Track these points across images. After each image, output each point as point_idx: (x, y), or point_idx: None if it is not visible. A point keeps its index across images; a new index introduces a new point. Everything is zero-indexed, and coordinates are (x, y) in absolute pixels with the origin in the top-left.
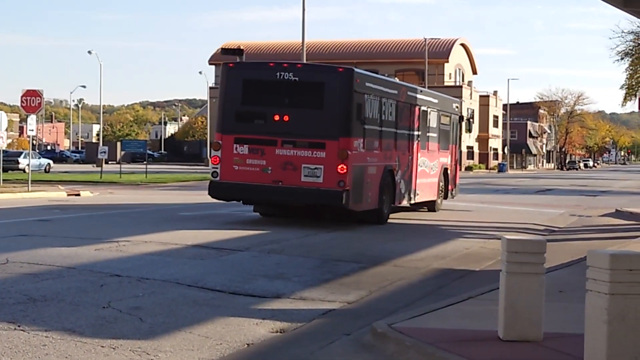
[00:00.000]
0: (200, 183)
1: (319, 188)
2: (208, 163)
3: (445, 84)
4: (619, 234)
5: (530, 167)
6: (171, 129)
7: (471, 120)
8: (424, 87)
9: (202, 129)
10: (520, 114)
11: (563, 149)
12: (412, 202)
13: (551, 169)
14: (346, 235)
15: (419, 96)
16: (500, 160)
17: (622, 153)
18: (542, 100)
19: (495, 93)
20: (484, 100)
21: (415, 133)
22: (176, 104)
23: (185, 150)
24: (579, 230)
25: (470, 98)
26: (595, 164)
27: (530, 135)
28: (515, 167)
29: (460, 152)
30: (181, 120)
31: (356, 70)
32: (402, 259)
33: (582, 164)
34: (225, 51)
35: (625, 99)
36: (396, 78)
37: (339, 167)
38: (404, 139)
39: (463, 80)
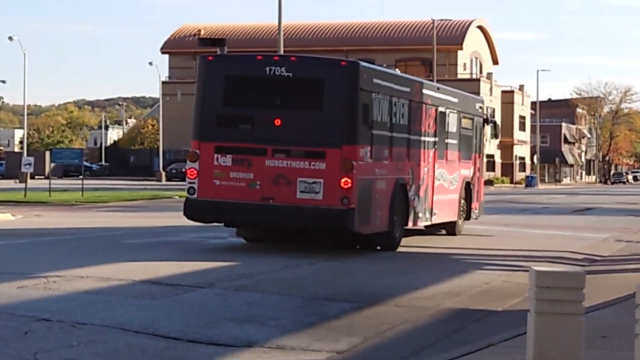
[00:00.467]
0: (152, 203)
1: (319, 206)
2: (161, 178)
3: (459, 76)
4: None
5: (566, 180)
6: (114, 134)
7: (497, 123)
8: (432, 80)
9: (153, 134)
10: (553, 114)
11: (607, 158)
12: (429, 223)
13: (592, 182)
14: (336, 266)
15: (436, 95)
16: (528, 172)
17: None
18: (579, 97)
19: (521, 88)
20: (508, 97)
21: (432, 139)
22: (120, 103)
23: (131, 161)
24: (627, 259)
25: (490, 94)
26: None
27: (566, 141)
28: (547, 180)
29: (484, 162)
30: (127, 123)
31: (362, 64)
32: (406, 297)
33: (630, 177)
34: (202, 41)
35: None
36: (397, 70)
37: (343, 180)
38: (419, 146)
39: (481, 72)
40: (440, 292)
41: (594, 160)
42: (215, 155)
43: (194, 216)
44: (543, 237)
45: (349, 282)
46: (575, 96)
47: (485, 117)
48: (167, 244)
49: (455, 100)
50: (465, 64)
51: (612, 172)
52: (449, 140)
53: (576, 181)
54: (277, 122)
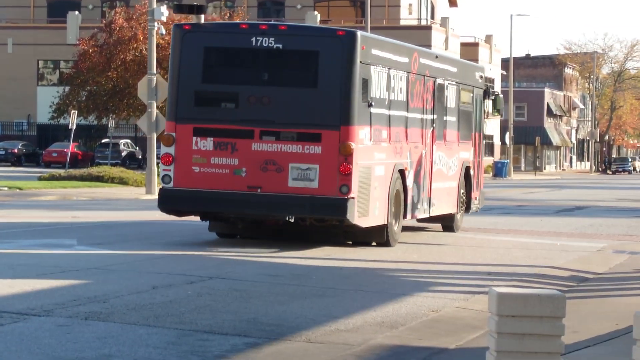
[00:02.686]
0: None
1: (314, 196)
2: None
3: (402, 22)
4: None
5: (550, 167)
6: None
7: (500, 96)
8: (365, 27)
9: None
10: (533, 75)
11: (606, 138)
12: (426, 215)
13: (585, 171)
14: (226, 286)
15: (434, 64)
16: (497, 156)
17: None
18: (569, 53)
19: (488, 39)
20: (470, 51)
21: (430, 117)
22: None
23: None
24: (629, 278)
25: (445, 47)
26: None
27: (550, 114)
28: (524, 168)
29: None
30: None
31: (361, 33)
32: (322, 329)
33: (638, 163)
34: (179, 8)
35: None
36: (317, 14)
37: (342, 166)
38: (417, 125)
39: (433, 17)
40: (370, 323)
41: (588, 141)
42: (194, 139)
43: (170, 208)
44: (515, 247)
45: (243, 309)
46: (563, 52)
47: (486, 88)
48: None
49: (454, 69)
50: (410, 5)
51: (613, 157)
52: (448, 118)
53: (564, 169)
54: (265, 100)
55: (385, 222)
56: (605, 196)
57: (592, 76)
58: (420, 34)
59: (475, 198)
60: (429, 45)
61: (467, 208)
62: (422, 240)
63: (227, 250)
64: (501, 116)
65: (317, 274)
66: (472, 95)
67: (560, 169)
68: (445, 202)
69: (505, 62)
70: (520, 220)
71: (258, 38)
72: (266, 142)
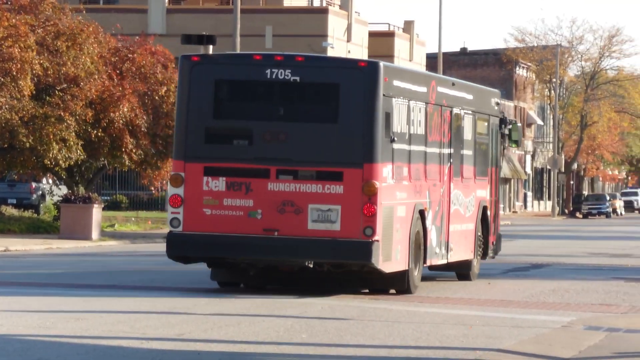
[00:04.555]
0: None
1: (336, 239)
2: None
3: (287, 3)
4: None
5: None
6: None
7: (518, 125)
8: (234, 10)
9: None
10: (472, 77)
11: (575, 166)
12: (444, 261)
13: (546, 213)
14: None
15: (450, 92)
16: None
17: None
18: (522, 47)
19: (408, 27)
20: (381, 43)
21: (447, 151)
22: None
23: None
24: None
25: (348, 39)
26: None
27: None
28: None
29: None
30: None
31: (384, 64)
32: None
33: (619, 203)
34: (187, 38)
35: None
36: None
37: (365, 207)
38: (435, 161)
39: None
40: None
41: (549, 171)
42: (205, 179)
43: (179, 254)
44: (447, 322)
45: None
46: (514, 45)
47: (502, 116)
48: None
49: (470, 97)
50: None
51: (584, 193)
52: (465, 151)
53: (515, 211)
54: (282, 136)
55: (407, 268)
56: (573, 249)
57: (554, 80)
58: (312, 19)
59: (492, 242)
60: (324, 35)
61: (484, 254)
62: (316, 313)
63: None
64: (518, 147)
65: None
66: (488, 125)
67: (510, 210)
68: (462, 246)
69: (431, 59)
70: (453, 285)
71: (273, 70)
72: (283, 181)
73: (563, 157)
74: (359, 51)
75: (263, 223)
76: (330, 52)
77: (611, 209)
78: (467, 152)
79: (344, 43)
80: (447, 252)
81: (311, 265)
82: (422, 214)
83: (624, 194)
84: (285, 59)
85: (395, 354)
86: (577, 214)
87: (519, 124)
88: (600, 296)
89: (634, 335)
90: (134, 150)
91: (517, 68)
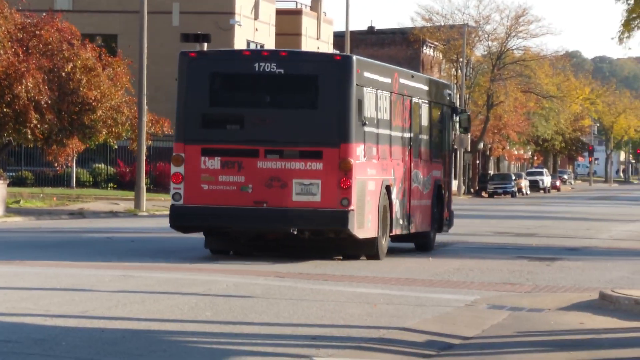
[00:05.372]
0: None
1: (317, 209)
2: None
3: None
4: (607, 357)
5: None
6: None
7: (468, 114)
8: None
9: None
10: (379, 56)
11: (481, 146)
12: (406, 232)
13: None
14: None
15: (410, 83)
16: None
17: (623, 154)
18: (429, 26)
19: (315, 5)
20: (290, 22)
21: (408, 135)
22: None
23: None
24: (509, 344)
25: (255, 17)
26: (559, 181)
27: None
28: None
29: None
30: None
31: (356, 57)
32: None
33: (524, 182)
34: (185, 37)
35: (627, 24)
36: None
37: (342, 180)
38: (398, 143)
39: None
40: None
41: (456, 150)
42: (202, 158)
43: (180, 224)
44: (351, 300)
45: None
46: (421, 24)
47: (454, 106)
48: None
49: (426, 88)
50: None
51: (490, 173)
52: (422, 136)
53: None
54: (269, 121)
55: (376, 235)
56: (479, 228)
57: (461, 59)
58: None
59: (446, 218)
60: (231, 13)
61: (440, 227)
62: (221, 291)
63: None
64: (468, 132)
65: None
66: (441, 113)
67: None
68: (421, 220)
69: (339, 38)
70: (358, 262)
71: (261, 64)
72: (270, 160)
73: (469, 136)
74: (266, 29)
75: (253, 196)
76: (238, 30)
77: (516, 189)
78: (424, 136)
79: (252, 21)
80: (409, 224)
81: (295, 232)
82: (388, 189)
83: (529, 174)
84: (271, 54)
85: (300, 332)
86: (483, 193)
87: (469, 113)
88: (505, 275)
89: (536, 315)
90: (38, 126)
91: (425, 47)
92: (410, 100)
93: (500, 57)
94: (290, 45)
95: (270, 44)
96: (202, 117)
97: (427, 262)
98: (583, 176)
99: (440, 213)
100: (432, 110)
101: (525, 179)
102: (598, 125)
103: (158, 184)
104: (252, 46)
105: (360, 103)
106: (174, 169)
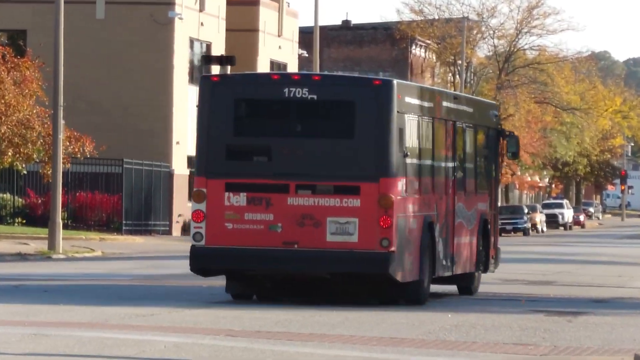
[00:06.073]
0: None
1: (354, 250)
2: None
3: None
4: None
5: None
6: None
7: (517, 138)
8: None
9: None
10: (357, 58)
11: None
12: (449, 274)
13: None
14: None
15: (453, 106)
16: None
17: None
18: (420, 20)
19: None
20: (245, 14)
21: (451, 165)
22: None
23: None
24: None
25: (200, 9)
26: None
27: None
28: None
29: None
30: None
31: (397, 81)
32: None
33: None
34: (207, 59)
35: None
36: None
37: (382, 219)
38: (441, 174)
39: None
40: None
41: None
42: (227, 194)
43: (202, 267)
44: None
45: None
46: (409, 17)
47: (500, 128)
48: None
49: (470, 110)
50: None
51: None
52: (467, 165)
53: None
54: (300, 152)
55: (419, 278)
56: (483, 274)
57: (459, 62)
58: None
59: (492, 256)
60: (170, 3)
61: (485, 267)
62: (157, 353)
63: None
64: (516, 158)
65: None
66: (487, 137)
67: None
68: (465, 259)
69: (306, 35)
70: (335, 314)
71: (291, 89)
72: (302, 196)
73: None
74: (214, 24)
75: (283, 236)
76: (178, 23)
77: (530, 225)
78: (469, 165)
79: (196, 13)
80: (453, 264)
81: (328, 277)
82: (430, 226)
83: (546, 206)
84: (302, 78)
85: None
86: None
87: (517, 136)
88: (515, 334)
89: None
90: None
91: (414, 47)
92: (454, 125)
93: (508, 59)
94: (244, 44)
95: (218, 42)
96: (226, 148)
97: (417, 317)
98: (614, 209)
99: (486, 251)
100: (477, 135)
101: (541, 212)
102: (632, 144)
103: (78, 219)
104: (196, 45)
105: (401, 132)
106: (195, 206)
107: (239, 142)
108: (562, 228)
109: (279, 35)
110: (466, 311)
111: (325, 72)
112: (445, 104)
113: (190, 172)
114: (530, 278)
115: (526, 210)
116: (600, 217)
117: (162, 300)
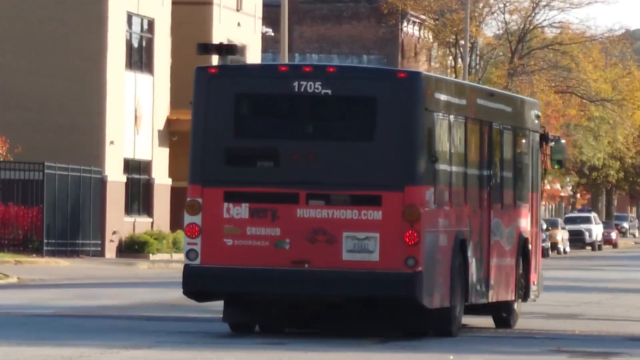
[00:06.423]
0: None
1: (374, 270)
2: None
3: None
4: None
5: None
6: None
7: (562, 143)
8: None
9: None
10: (337, 38)
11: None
12: (485, 301)
13: None
14: None
15: (489, 104)
16: None
17: None
18: None
19: None
20: None
21: (486, 173)
22: None
23: None
24: None
25: None
26: (616, 233)
27: None
28: None
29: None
30: None
31: (425, 74)
32: None
33: (562, 235)
34: (203, 48)
35: None
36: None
37: (407, 234)
38: (475, 184)
39: None
40: None
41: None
42: (226, 205)
43: (198, 290)
44: None
45: None
46: None
47: (543, 132)
48: None
49: (509, 109)
50: None
51: None
52: (505, 173)
53: None
54: (311, 157)
55: (449, 305)
56: None
57: (462, 42)
58: None
59: (534, 282)
60: None
61: (526, 295)
62: None
63: None
64: (562, 167)
65: None
66: (528, 142)
67: None
68: (503, 285)
69: (271, 9)
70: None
71: (301, 82)
72: (314, 207)
73: None
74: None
75: (292, 254)
76: None
77: (549, 244)
78: (507, 174)
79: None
80: (488, 290)
81: (345, 302)
82: (462, 244)
83: (569, 221)
84: (315, 70)
85: None
86: None
87: (563, 142)
88: None
89: None
90: None
91: (405, 23)
92: (490, 127)
93: (523, 39)
94: (195, 20)
95: (163, 18)
96: (225, 152)
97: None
98: None
99: (526, 276)
100: (517, 139)
101: (563, 228)
102: None
103: None
104: (135, 20)
105: (430, 133)
106: (188, 218)
107: (241, 144)
108: (589, 248)
109: (237, 10)
110: (473, 351)
111: (342, 64)
112: (480, 101)
113: (128, 178)
114: (550, 310)
115: (545, 226)
116: (637, 235)
117: (92, 339)
